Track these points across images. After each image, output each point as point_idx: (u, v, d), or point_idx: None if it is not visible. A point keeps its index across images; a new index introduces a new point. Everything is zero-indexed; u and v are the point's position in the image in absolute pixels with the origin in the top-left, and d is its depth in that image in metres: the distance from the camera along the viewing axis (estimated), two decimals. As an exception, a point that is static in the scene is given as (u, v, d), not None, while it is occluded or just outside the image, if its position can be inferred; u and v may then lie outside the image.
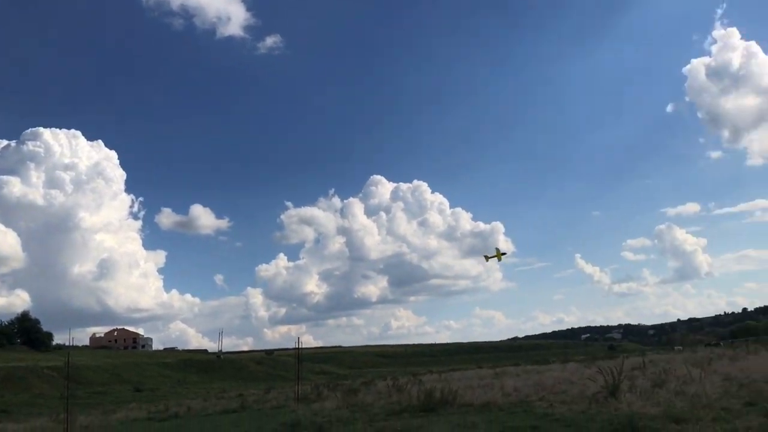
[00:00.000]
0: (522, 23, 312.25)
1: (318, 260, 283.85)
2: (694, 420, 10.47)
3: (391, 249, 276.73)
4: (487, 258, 59.20)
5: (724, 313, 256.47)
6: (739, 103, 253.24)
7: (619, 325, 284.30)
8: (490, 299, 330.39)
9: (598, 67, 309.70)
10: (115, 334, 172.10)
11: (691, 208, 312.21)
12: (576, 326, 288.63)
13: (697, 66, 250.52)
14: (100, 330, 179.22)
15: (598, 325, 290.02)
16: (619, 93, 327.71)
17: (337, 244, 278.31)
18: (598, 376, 15.77)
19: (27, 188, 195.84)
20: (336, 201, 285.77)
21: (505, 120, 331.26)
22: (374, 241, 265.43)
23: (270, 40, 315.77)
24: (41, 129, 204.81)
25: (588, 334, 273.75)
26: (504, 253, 59.62)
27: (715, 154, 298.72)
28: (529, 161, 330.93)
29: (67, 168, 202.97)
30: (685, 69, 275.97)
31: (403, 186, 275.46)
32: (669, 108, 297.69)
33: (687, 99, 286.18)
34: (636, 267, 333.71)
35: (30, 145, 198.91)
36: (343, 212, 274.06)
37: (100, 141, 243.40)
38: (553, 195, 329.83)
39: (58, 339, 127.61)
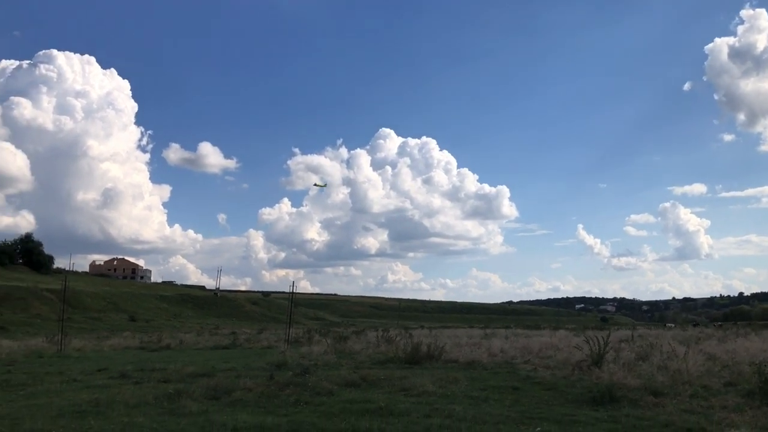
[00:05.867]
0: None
1: (321, 209, 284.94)
2: (673, 395, 10.57)
3: (393, 204, 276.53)
4: (316, 185, 60.84)
5: (720, 295, 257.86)
6: (759, 86, 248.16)
7: (614, 299, 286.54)
8: (488, 261, 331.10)
9: (618, 38, 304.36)
10: (115, 263, 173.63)
11: (698, 188, 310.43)
12: (571, 296, 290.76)
13: (720, 45, 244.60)
14: (101, 258, 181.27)
15: (593, 296, 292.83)
16: (638, 66, 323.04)
17: (341, 194, 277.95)
18: (585, 345, 15.90)
19: (38, 111, 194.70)
20: (343, 151, 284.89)
21: (520, 85, 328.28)
22: (378, 195, 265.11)
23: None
24: (55, 52, 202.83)
25: (582, 305, 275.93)
26: (324, 185, 61.79)
27: (728, 137, 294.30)
28: (541, 128, 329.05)
29: (78, 95, 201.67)
30: (707, 48, 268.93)
31: (411, 141, 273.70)
32: (686, 86, 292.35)
33: (705, 78, 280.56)
34: (637, 242, 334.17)
35: (43, 68, 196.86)
36: (349, 163, 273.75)
37: (113, 69, 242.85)
38: (561, 164, 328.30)
39: (59, 263, 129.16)
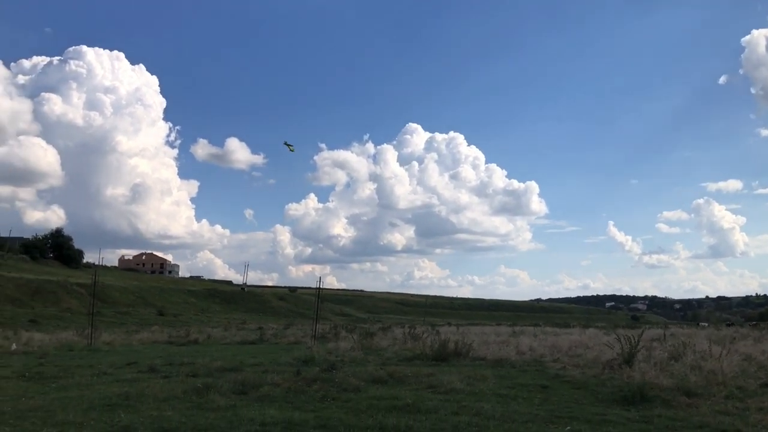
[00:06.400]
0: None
1: (347, 204, 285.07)
2: (707, 395, 10.34)
3: (420, 199, 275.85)
4: (288, 145, 58.15)
5: (756, 294, 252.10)
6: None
7: (645, 297, 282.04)
8: (516, 258, 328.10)
9: (652, 31, 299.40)
10: (144, 257, 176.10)
11: (733, 185, 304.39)
12: (601, 293, 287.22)
13: (758, 37, 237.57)
14: (129, 252, 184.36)
15: (624, 294, 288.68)
16: (672, 59, 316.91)
17: (367, 189, 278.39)
18: (616, 344, 15.65)
19: (68, 107, 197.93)
20: (369, 146, 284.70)
21: (549, 78, 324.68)
22: (404, 190, 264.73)
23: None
24: (85, 48, 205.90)
25: (613, 303, 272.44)
26: (292, 149, 58.49)
27: (766, 132, 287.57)
28: (571, 123, 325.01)
29: (107, 91, 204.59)
30: (744, 40, 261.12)
31: (439, 136, 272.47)
32: (722, 80, 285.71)
33: (741, 72, 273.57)
34: (669, 239, 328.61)
35: (73, 65, 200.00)
36: (375, 158, 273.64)
37: (142, 65, 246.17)
38: (591, 159, 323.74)
39: (88, 258, 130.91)
